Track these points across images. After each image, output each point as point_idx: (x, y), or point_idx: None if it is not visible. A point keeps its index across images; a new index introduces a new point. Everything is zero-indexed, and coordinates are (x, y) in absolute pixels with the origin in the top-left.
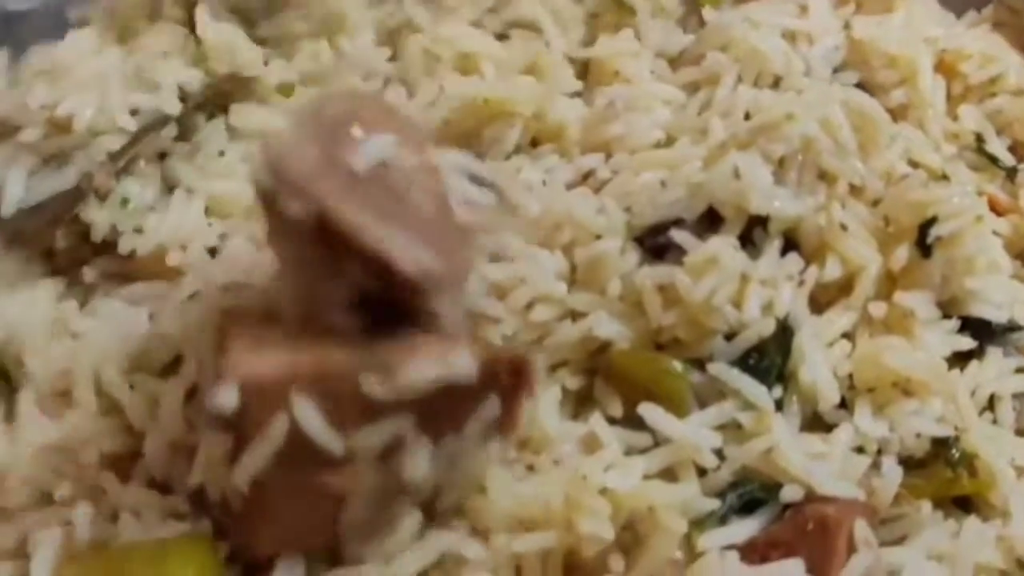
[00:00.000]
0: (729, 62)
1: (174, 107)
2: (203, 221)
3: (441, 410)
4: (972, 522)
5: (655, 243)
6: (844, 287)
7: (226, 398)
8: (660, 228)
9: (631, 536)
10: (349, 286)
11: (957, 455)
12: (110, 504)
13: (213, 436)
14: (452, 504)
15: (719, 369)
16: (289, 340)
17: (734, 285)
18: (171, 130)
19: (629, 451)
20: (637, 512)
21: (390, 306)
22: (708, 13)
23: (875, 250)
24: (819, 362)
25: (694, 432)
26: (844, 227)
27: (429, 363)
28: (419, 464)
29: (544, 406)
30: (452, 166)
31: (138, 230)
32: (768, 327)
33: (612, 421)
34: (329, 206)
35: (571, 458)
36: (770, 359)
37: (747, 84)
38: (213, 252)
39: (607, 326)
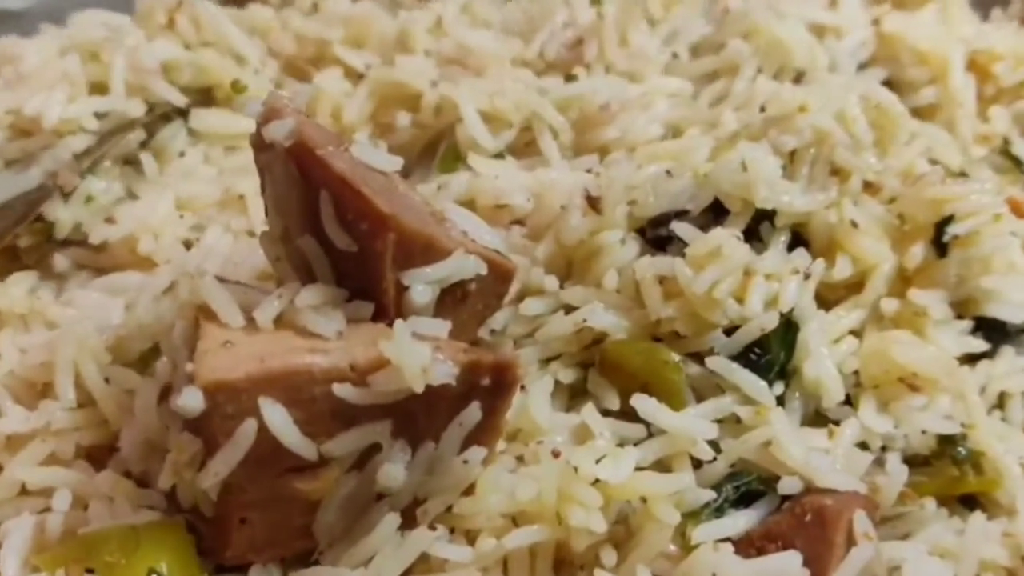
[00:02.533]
0: (750, 52)
1: (138, 111)
2: (174, 212)
3: (419, 416)
4: (977, 518)
5: (657, 235)
6: (854, 285)
7: (191, 401)
8: (663, 219)
9: (623, 530)
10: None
11: (964, 452)
12: (85, 492)
13: (182, 438)
14: (436, 511)
15: (718, 363)
16: (264, 339)
17: (736, 278)
18: (139, 135)
19: (623, 443)
20: (629, 504)
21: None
22: (733, 1)
23: (888, 248)
24: (824, 357)
25: (689, 424)
26: (855, 224)
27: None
28: (395, 471)
29: (535, 397)
30: None
31: (109, 220)
32: (771, 321)
33: (606, 413)
34: (306, 131)
35: (562, 449)
36: (772, 354)
37: (767, 75)
38: (188, 245)
39: (602, 317)
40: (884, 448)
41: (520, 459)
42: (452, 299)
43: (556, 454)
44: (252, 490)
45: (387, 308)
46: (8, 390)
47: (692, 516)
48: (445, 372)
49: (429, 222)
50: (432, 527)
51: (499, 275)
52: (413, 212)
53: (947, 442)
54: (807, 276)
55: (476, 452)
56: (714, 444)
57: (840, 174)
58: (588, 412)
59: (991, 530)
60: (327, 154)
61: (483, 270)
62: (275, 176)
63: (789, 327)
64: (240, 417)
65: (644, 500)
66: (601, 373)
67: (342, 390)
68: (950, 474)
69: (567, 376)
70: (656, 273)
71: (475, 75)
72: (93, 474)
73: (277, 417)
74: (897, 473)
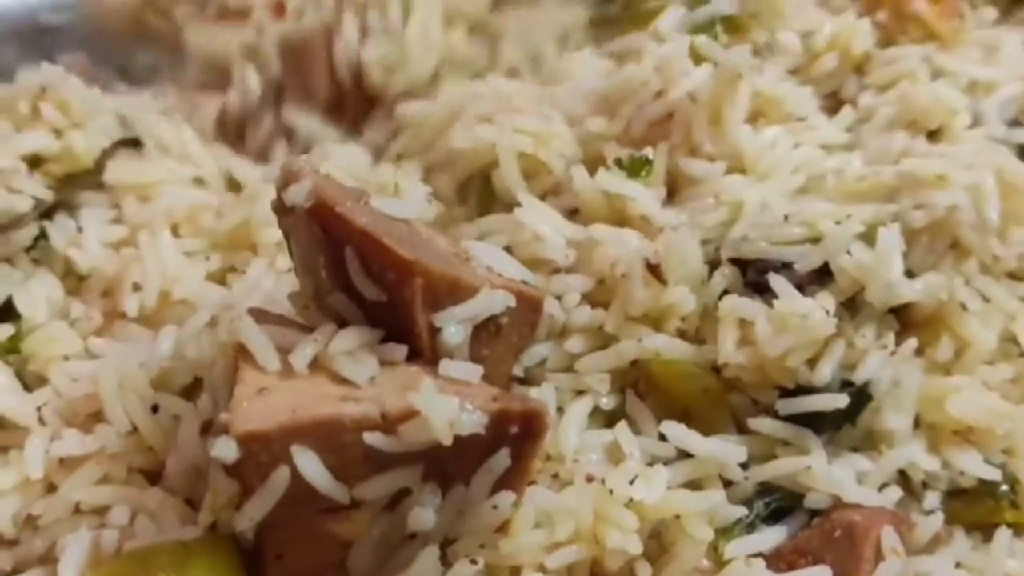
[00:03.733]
0: (886, 103)
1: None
2: (177, 254)
3: (450, 461)
4: (1003, 533)
5: (757, 280)
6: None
7: (226, 450)
8: (766, 267)
9: (657, 544)
10: (349, 272)
11: (1005, 489)
12: (140, 509)
13: (220, 479)
14: (466, 551)
15: (765, 425)
16: (298, 385)
17: (815, 349)
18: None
19: (653, 461)
20: (663, 520)
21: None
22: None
23: (994, 331)
24: (905, 423)
25: (719, 449)
26: (964, 307)
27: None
28: (426, 514)
29: (568, 421)
30: None
31: (137, 288)
32: (839, 401)
33: (638, 432)
34: (324, 191)
35: (597, 467)
36: (834, 423)
37: (900, 127)
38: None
39: (657, 339)
40: (924, 485)
41: (556, 476)
42: (487, 334)
43: (590, 479)
44: (287, 528)
45: (423, 350)
46: (60, 415)
47: (724, 532)
48: (473, 422)
49: (453, 263)
50: (474, 561)
51: (529, 305)
52: (436, 255)
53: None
54: (893, 353)
55: (505, 497)
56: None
57: (959, 249)
58: (620, 430)
59: (1017, 547)
60: (347, 210)
61: (512, 302)
62: (299, 238)
63: (860, 396)
64: (274, 464)
65: (677, 517)
66: (640, 394)
67: (372, 438)
68: (987, 504)
69: (609, 403)
70: (738, 316)
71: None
72: (145, 486)
73: (309, 463)
74: (935, 516)
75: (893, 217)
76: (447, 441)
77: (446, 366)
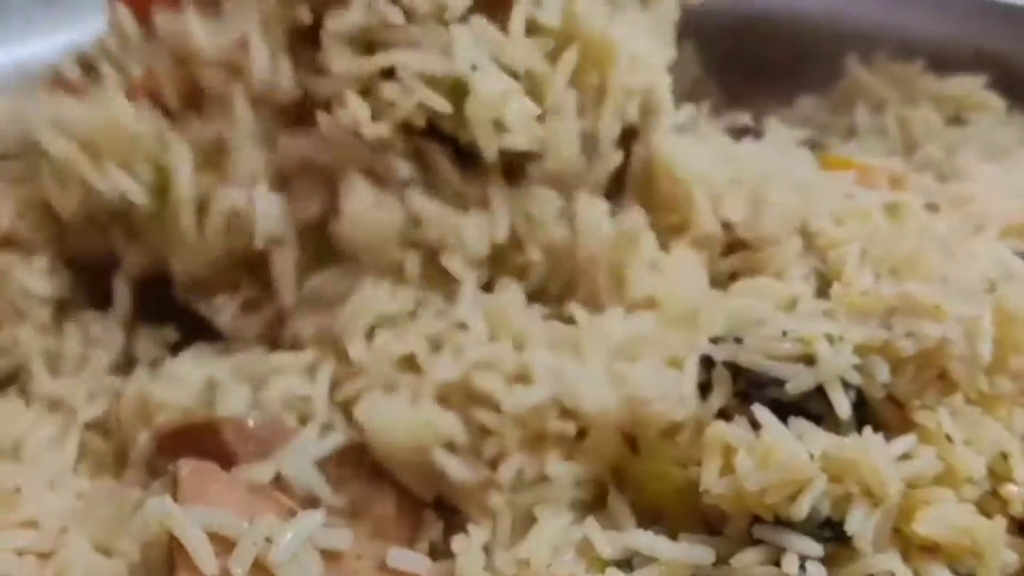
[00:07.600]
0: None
1: None
2: None
3: None
4: None
5: (746, 392)
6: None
7: None
8: (759, 381)
9: None
10: None
11: None
12: None
13: None
14: None
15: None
16: None
17: (796, 488)
18: None
19: (627, 555)
20: None
21: None
22: None
23: (983, 456)
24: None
25: (686, 553)
26: (950, 439)
27: None
28: None
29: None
30: None
31: None
32: (814, 551)
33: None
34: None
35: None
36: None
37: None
38: None
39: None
40: None
41: None
42: None
43: None
44: None
45: None
46: None
47: None
48: None
49: None
50: None
51: None
52: None
53: None
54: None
55: None
56: None
57: (946, 380)
58: (591, 527)
59: None
60: None
61: None
62: None
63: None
64: None
65: None
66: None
67: None
68: None
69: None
70: (726, 442)
71: None
72: None
73: None
74: None
75: (883, 344)
76: None
77: (394, 557)
